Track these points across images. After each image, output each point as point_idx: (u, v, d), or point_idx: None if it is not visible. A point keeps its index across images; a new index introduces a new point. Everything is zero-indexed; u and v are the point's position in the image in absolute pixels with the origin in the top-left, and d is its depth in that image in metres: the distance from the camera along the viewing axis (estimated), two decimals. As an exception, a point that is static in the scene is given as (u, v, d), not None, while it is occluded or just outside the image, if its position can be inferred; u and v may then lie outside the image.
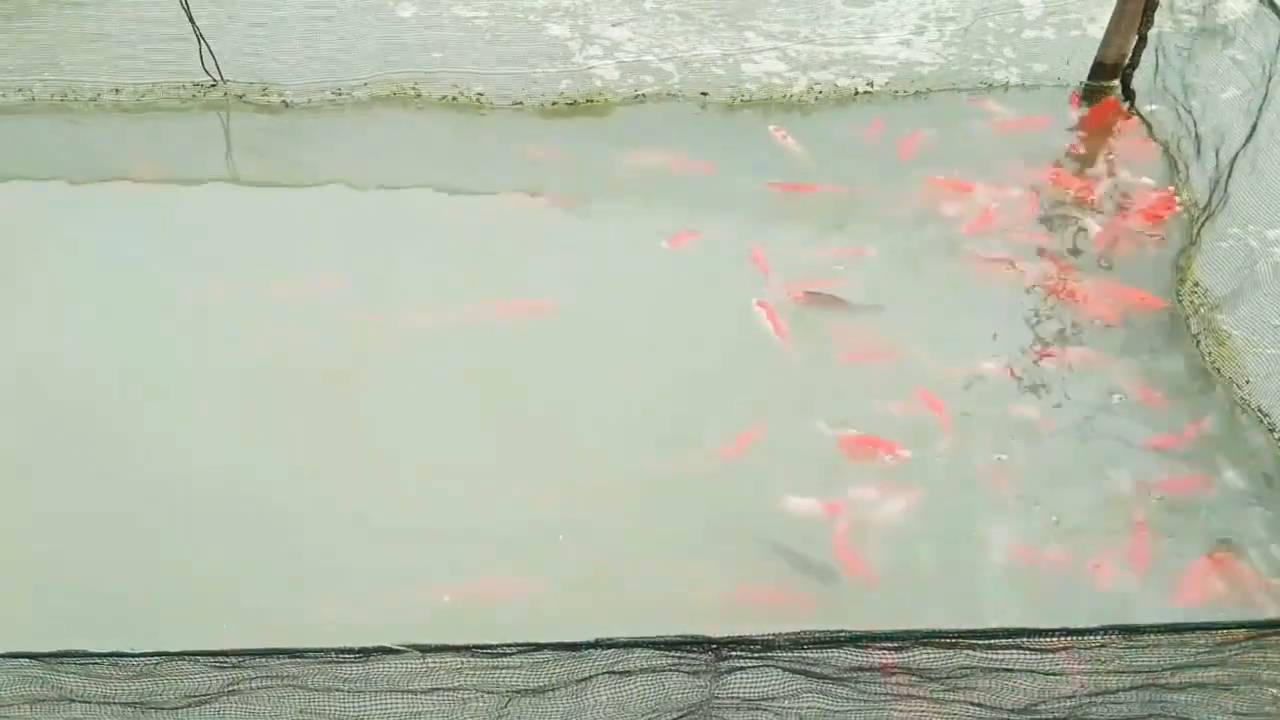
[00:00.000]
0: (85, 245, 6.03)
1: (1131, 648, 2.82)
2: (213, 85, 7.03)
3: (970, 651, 2.87)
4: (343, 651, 2.93)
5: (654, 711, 3.07)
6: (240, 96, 6.99)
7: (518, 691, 3.01)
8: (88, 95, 7.01)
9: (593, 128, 6.84)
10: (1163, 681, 2.86)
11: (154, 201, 6.37)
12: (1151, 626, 2.80)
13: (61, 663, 2.92)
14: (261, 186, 6.59)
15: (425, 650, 2.93)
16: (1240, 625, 2.81)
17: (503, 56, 7.26)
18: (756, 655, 2.91)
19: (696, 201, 6.24)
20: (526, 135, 6.78)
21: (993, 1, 7.67)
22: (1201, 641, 2.80)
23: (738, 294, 5.71)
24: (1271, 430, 5.01)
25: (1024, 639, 2.83)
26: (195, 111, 6.95)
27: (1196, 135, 6.24)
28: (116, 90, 7.02)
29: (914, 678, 2.94)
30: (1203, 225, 5.86)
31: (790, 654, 2.90)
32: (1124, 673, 2.86)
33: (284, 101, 6.98)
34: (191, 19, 6.82)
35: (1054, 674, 2.87)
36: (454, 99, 7.01)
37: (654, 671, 2.99)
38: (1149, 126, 6.71)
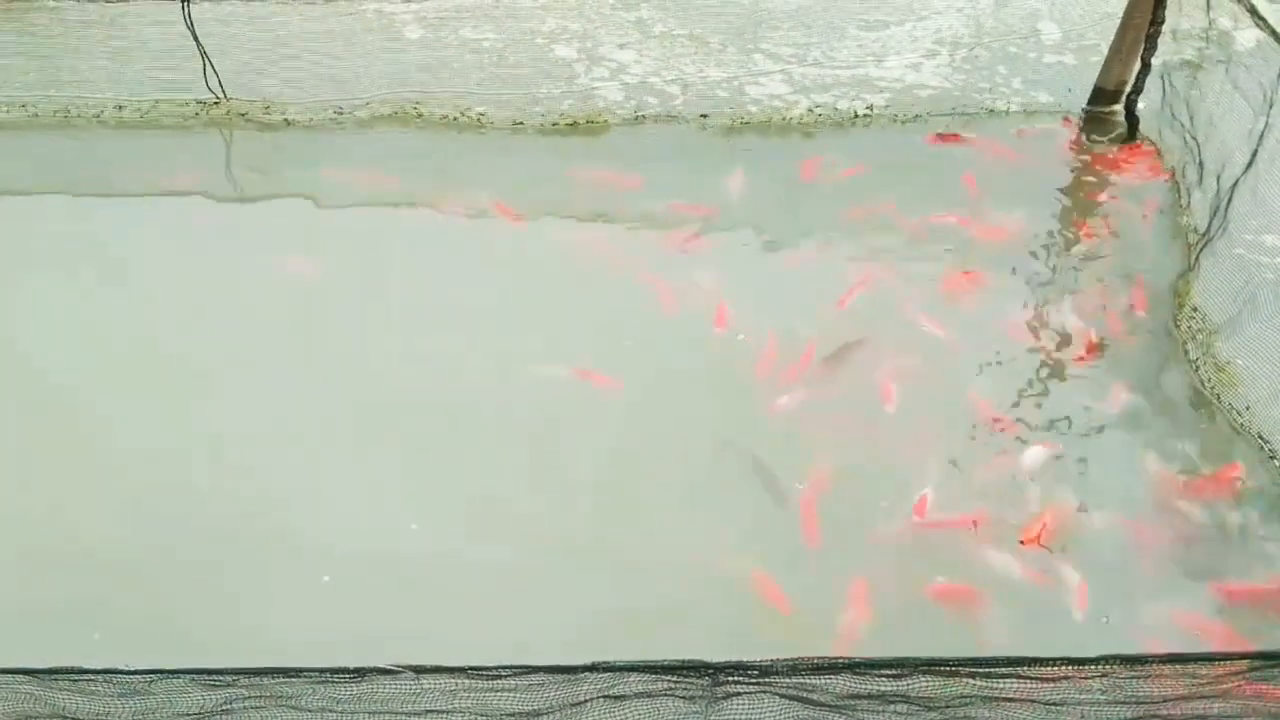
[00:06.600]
0: (87, 260, 6.02)
1: (1133, 677, 2.80)
2: (215, 103, 7.05)
3: (969, 680, 2.85)
4: (337, 671, 2.90)
5: (649, 736, 3.04)
6: (243, 114, 7.02)
7: (511, 715, 2.99)
8: (91, 111, 7.03)
9: (591, 147, 6.86)
10: (1164, 713, 2.84)
11: (155, 218, 6.37)
12: (1154, 656, 2.78)
13: (55, 679, 2.89)
14: (262, 203, 6.59)
15: (420, 671, 2.90)
16: (1243, 656, 2.80)
17: (507, 78, 7.29)
18: (753, 681, 2.88)
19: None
20: (525, 154, 6.80)
21: (1007, 26, 7.70)
22: (1204, 672, 2.79)
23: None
24: (1272, 458, 4.99)
25: (1024, 668, 2.80)
26: (198, 129, 6.97)
27: (1200, 162, 6.25)
28: (120, 107, 7.04)
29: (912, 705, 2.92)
30: (1201, 250, 5.87)
31: (788, 680, 2.87)
32: (1125, 703, 2.84)
33: (286, 120, 7.00)
34: (196, 37, 6.85)
35: (1054, 704, 2.85)
36: (455, 118, 7.03)
37: (649, 696, 2.96)
38: (1156, 152, 6.73)
